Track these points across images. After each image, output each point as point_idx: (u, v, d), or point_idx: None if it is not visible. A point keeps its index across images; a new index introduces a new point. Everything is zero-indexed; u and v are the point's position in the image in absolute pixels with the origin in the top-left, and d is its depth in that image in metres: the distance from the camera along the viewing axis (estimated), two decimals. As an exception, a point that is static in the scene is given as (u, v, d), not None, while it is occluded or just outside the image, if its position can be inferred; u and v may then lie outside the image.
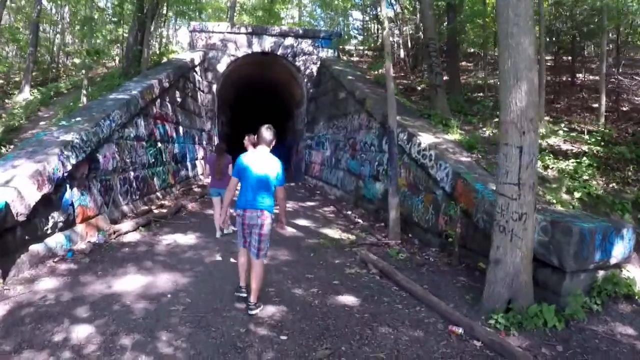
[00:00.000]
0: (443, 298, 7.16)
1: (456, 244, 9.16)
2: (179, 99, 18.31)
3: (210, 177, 10.96)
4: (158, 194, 15.02)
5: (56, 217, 8.55)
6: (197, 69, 22.78)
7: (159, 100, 15.56)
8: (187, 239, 10.30)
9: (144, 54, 17.63)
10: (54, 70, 25.87)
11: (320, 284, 7.56)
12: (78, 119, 10.63)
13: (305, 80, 24.92)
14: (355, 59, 27.52)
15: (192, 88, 21.38)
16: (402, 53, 24.32)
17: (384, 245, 10.35)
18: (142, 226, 10.91)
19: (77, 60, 19.36)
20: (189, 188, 18.09)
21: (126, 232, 10.28)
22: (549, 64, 18.67)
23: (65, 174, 8.83)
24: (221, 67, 24.68)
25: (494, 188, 7.61)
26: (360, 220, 13.15)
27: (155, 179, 14.81)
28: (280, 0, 33.16)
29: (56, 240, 8.50)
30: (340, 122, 18.93)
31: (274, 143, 6.30)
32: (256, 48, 24.72)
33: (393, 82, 11.47)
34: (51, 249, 8.29)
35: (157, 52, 22.13)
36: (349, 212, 14.33)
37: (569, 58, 19.53)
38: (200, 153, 22.91)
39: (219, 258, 8.93)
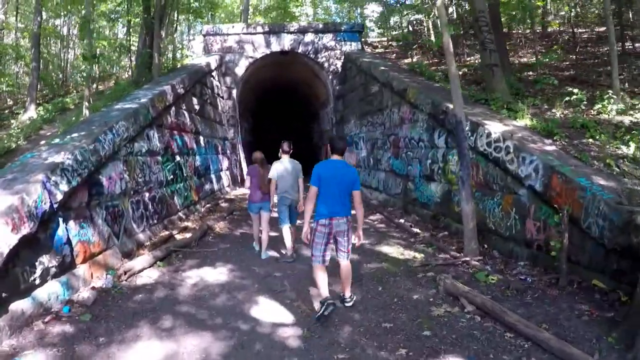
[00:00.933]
0: (575, 342, 4.95)
1: (564, 260, 6.86)
2: (196, 107, 16.26)
3: (251, 190, 9.32)
4: (180, 213, 12.96)
5: (46, 261, 6.45)
6: (215, 73, 20.75)
7: (173, 109, 13.50)
8: (218, 274, 8.11)
9: (155, 59, 15.57)
10: (63, 86, 24.06)
11: (406, 339, 5.33)
12: (74, 135, 8.55)
13: (330, 77, 22.75)
14: (380, 50, 25.25)
15: (211, 94, 19.35)
16: (433, 37, 21.99)
17: (462, 264, 8.10)
18: (160, 260, 8.79)
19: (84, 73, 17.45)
20: (216, 204, 16.01)
21: (141, 270, 8.13)
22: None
23: (55, 205, 6.72)
24: (240, 70, 22.63)
25: (604, 183, 6.74)
26: (417, 230, 10.91)
27: (175, 197, 12.74)
28: (295, -3, 31.02)
29: (49, 291, 6.40)
30: (376, 118, 16.71)
31: (346, 151, 6.70)
32: (275, 47, 22.64)
33: (453, 62, 9.17)
34: (42, 304, 6.19)
35: (170, 58, 19.95)
36: (402, 221, 12.08)
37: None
38: (225, 163, 20.86)
39: (262, 304, 6.72)
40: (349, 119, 21.27)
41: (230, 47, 22.60)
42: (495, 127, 9.25)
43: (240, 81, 23.05)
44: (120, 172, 9.36)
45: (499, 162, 8.74)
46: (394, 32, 29.67)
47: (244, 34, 22.67)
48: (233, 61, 22.57)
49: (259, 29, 22.94)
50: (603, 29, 17.47)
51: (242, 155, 23.88)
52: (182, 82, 14.48)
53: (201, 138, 16.58)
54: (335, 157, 6.10)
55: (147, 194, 10.70)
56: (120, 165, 9.38)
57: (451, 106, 10.71)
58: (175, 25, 22.91)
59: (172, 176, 12.65)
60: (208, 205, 15.27)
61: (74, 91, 22.87)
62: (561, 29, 21.52)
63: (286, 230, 8.91)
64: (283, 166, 8.86)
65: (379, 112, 16.34)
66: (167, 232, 10.89)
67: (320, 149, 29.46)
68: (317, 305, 6.22)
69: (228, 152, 22.00)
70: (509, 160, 8.46)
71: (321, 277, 6.00)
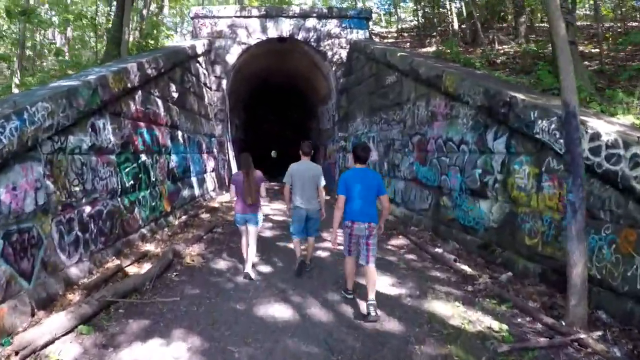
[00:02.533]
0: None
1: None
2: (174, 94, 12.90)
3: (236, 200, 7.72)
4: (144, 230, 9.62)
5: None
6: (202, 60, 17.38)
7: (140, 94, 10.12)
8: (174, 353, 4.82)
9: (124, 34, 12.20)
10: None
11: None
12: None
13: (334, 68, 19.44)
14: (390, 40, 21.99)
15: (195, 83, 15.98)
16: (455, 24, 18.83)
17: (571, 344, 4.86)
18: (87, 320, 5.43)
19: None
20: (195, 214, 12.67)
21: (48, 344, 4.80)
22: None
23: None
24: (231, 58, 19.25)
25: None
26: (466, 268, 7.64)
27: (136, 210, 9.38)
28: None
29: None
30: (393, 115, 13.42)
31: (369, 160, 7.66)
32: (272, 33, 19.27)
33: (561, 19, 5.90)
34: None
35: (150, 39, 16.41)
36: (439, 250, 8.81)
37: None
38: (211, 164, 17.51)
39: None
40: (355, 115, 18.01)
41: (221, 31, 19.19)
42: (603, 127, 6.02)
43: (231, 70, 19.68)
44: (37, 178, 6.00)
45: (615, 178, 5.50)
46: (403, 25, 26.37)
47: (237, 17, 19.26)
48: (224, 47, 19.18)
49: (254, 12, 19.53)
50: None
51: (231, 155, 20.57)
52: (155, 61, 11.10)
53: (179, 133, 13.25)
54: (358, 165, 6.28)
55: (87, 208, 7.32)
56: (36, 169, 6.00)
57: (519, 96, 7.50)
58: (160, 3, 19.42)
59: (132, 181, 9.28)
60: (184, 218, 11.92)
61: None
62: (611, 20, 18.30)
63: (296, 241, 7.70)
64: (300, 170, 7.47)
65: (396, 107, 13.06)
66: (116, 263, 7.56)
67: (317, 150, 26.27)
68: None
69: (215, 150, 18.65)
70: (634, 176, 5.25)
71: (348, 268, 6.39)
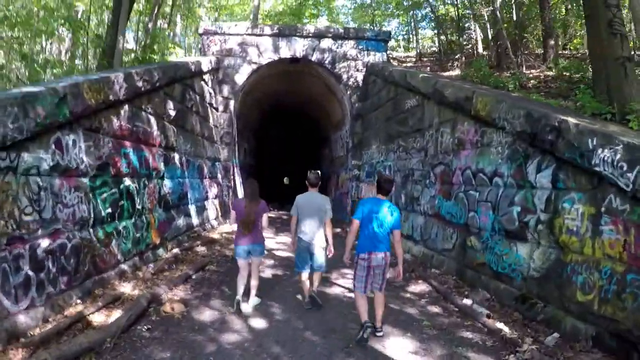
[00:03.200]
0: None
1: None
2: (172, 112, 11.68)
3: (237, 230, 7.25)
4: (124, 266, 8.26)
5: None
6: (207, 78, 16.25)
7: (126, 108, 8.87)
8: None
9: (119, 43, 11.07)
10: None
11: None
12: None
13: (349, 92, 18.24)
14: (409, 64, 20.82)
15: (199, 102, 14.82)
16: (480, 48, 17.63)
17: None
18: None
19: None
20: (190, 247, 11.35)
21: None
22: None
23: None
24: (240, 78, 18.11)
25: None
26: (502, 326, 6.21)
27: (114, 242, 8.04)
28: (310, 4, 26.61)
29: None
30: (412, 142, 12.10)
31: (391, 193, 7.11)
32: (284, 53, 18.14)
33: None
34: None
35: (147, 47, 15.24)
36: (467, 302, 7.33)
37: None
38: (213, 190, 16.27)
39: None
40: (370, 143, 16.73)
41: (231, 49, 18.11)
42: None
43: (240, 91, 18.56)
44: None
45: None
46: (422, 51, 25.22)
47: (248, 34, 18.18)
48: (233, 67, 18.08)
49: (267, 30, 18.43)
50: None
51: (238, 181, 19.34)
52: (149, 74, 9.90)
53: (176, 156, 12.01)
54: (380, 196, 6.24)
55: (44, 242, 5.99)
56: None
57: (571, 120, 6.16)
58: (168, 18, 18.38)
59: (110, 209, 7.97)
60: (176, 251, 10.59)
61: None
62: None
63: (304, 276, 7.23)
64: (307, 202, 7.19)
65: (416, 134, 11.75)
66: (78, 309, 6.23)
67: (330, 179, 25.02)
68: None
69: (219, 176, 17.41)
70: None
71: (361, 304, 6.08)
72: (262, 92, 21.97)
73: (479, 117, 8.45)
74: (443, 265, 9.51)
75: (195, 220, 13.49)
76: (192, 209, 13.34)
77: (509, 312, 6.88)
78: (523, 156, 7.13)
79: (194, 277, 8.83)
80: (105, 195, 7.81)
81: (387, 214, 6.10)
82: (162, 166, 10.84)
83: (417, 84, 11.74)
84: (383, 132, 14.93)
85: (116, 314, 6.33)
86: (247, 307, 6.92)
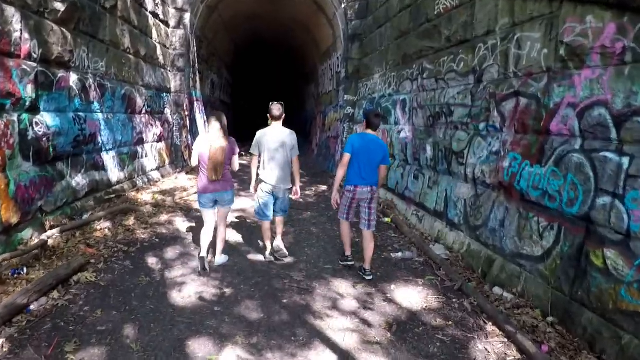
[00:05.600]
0: None
1: None
2: (59, 5, 6.87)
3: (199, 174, 5.69)
4: None
5: None
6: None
7: None
8: None
9: None
10: None
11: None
12: None
13: (343, 6, 13.33)
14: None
15: (131, 6, 9.89)
16: None
17: None
18: None
19: None
20: (85, 223, 6.81)
21: None
22: None
23: None
24: (198, -19, 13.19)
25: None
26: None
27: None
28: None
29: None
30: (448, 62, 7.29)
31: (380, 128, 6.45)
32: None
33: None
34: None
35: None
36: None
37: None
38: (155, 130, 11.62)
39: None
40: (371, 71, 12.02)
41: (186, -58, 13.09)
42: None
43: (200, 2, 13.65)
44: None
45: None
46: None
47: None
48: (188, -35, 13.11)
49: None
50: None
51: (200, 119, 14.68)
52: None
53: (71, 77, 7.24)
54: (369, 131, 5.84)
55: None
56: None
57: None
58: None
59: None
60: (53, 232, 6.07)
61: None
62: None
63: (266, 225, 6.20)
64: (270, 137, 5.98)
65: (459, 49, 6.92)
66: None
67: (313, 121, 20.46)
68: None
69: (167, 111, 12.71)
70: None
71: (346, 232, 6.03)
72: (234, 10, 16.95)
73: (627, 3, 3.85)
74: (518, 283, 5.00)
75: (114, 175, 8.87)
76: (109, 157, 8.70)
77: None
78: None
79: (30, 310, 4.26)
80: None
81: (377, 149, 5.72)
82: (30, 91, 6.14)
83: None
84: (393, 53, 10.21)
85: None
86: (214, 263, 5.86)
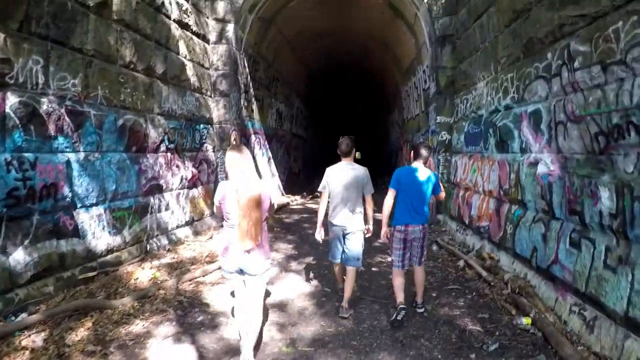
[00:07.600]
0: None
1: None
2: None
3: (224, 227, 4.18)
4: None
5: None
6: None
7: None
8: None
9: None
10: None
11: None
12: None
13: (425, 2, 10.20)
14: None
15: (142, 8, 7.33)
16: None
17: None
18: None
19: None
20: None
21: None
22: None
23: None
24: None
25: None
26: None
27: None
28: None
29: None
30: (615, 35, 3.86)
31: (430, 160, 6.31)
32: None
33: None
34: None
35: None
36: None
37: None
38: (184, 173, 8.85)
39: None
40: (472, 79, 8.55)
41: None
42: None
43: (249, 11, 11.00)
44: None
45: None
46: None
47: None
48: (232, -32, 10.52)
49: None
50: None
51: (262, 160, 11.99)
52: None
53: (11, 98, 4.63)
54: (417, 164, 5.37)
55: None
56: None
57: None
58: None
59: None
60: None
61: None
62: None
63: (335, 268, 5.79)
64: (339, 175, 5.44)
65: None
66: None
67: (398, 152, 17.34)
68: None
69: (206, 147, 10.00)
70: None
71: (398, 282, 5.41)
72: (298, 25, 14.32)
73: None
74: None
75: (100, 242, 6.02)
76: (88, 217, 5.87)
77: None
78: None
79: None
80: None
81: (424, 182, 5.30)
82: None
83: None
84: (505, 46, 6.79)
85: None
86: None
